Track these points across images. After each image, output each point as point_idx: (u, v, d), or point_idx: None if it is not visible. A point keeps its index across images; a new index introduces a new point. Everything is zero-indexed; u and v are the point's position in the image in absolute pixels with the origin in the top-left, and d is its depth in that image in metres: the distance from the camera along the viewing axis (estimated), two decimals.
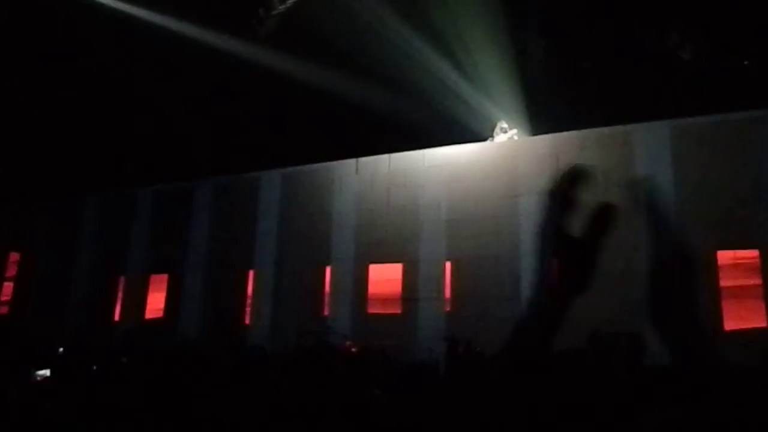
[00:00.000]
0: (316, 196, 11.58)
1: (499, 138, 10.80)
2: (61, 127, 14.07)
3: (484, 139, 10.96)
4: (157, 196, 13.43)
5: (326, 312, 10.87)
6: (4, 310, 14.05)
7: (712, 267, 8.20)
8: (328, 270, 11.08)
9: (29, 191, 14.06)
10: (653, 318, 8.01)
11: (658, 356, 7.57)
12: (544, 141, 10.12)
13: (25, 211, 14.32)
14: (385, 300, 10.47)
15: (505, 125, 10.96)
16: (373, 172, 11.21)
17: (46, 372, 4.70)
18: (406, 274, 10.38)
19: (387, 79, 12.38)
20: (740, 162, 8.46)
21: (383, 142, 11.34)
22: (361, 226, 10.99)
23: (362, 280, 10.70)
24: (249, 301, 11.70)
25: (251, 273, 11.80)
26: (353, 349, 9.01)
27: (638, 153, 9.17)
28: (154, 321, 12.37)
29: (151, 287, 12.73)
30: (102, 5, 12.90)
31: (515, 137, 10.85)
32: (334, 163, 11.59)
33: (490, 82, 12.14)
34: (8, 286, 14.27)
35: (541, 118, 11.30)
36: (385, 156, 11.17)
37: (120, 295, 13.02)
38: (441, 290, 10.05)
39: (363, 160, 11.36)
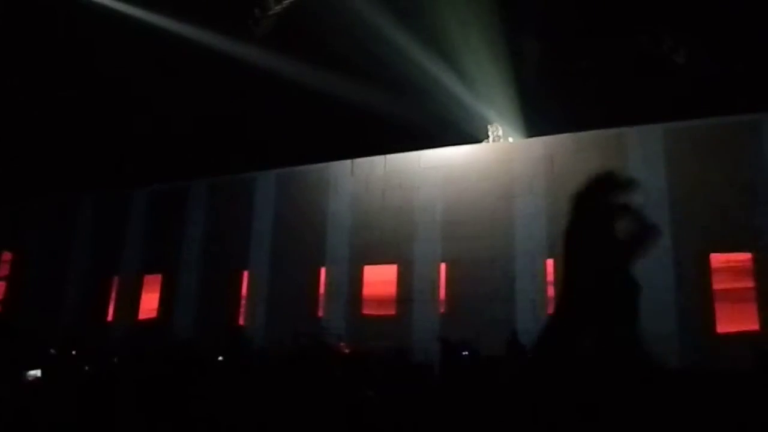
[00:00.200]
0: (311, 196, 11.58)
1: (494, 140, 10.82)
2: (57, 127, 14.02)
3: (479, 141, 10.98)
4: (152, 196, 13.39)
5: (321, 313, 10.86)
6: None
7: (705, 270, 8.25)
8: (322, 271, 11.07)
9: (23, 190, 13.99)
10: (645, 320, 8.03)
11: (652, 357, 7.59)
12: (539, 143, 10.15)
13: (19, 210, 14.24)
14: (379, 301, 10.47)
15: (499, 128, 10.98)
16: (369, 173, 11.21)
17: (37, 372, 4.67)
18: (401, 276, 10.38)
19: (383, 80, 12.39)
20: (733, 165, 8.52)
21: (379, 143, 11.35)
22: (356, 227, 10.99)
23: (357, 281, 10.70)
24: (243, 301, 11.69)
25: (246, 274, 11.78)
26: (346, 351, 9.00)
27: (632, 156, 9.21)
28: (148, 321, 12.33)
29: (145, 287, 12.69)
30: (98, 5, 12.87)
31: (510, 139, 10.88)
32: (330, 164, 11.59)
33: (485, 85, 12.16)
34: (1, 286, 14.20)
35: (536, 121, 11.33)
36: (381, 157, 11.18)
37: (114, 295, 12.97)
38: (436, 291, 10.06)
39: (358, 161, 11.36)
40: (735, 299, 7.99)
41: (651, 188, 8.85)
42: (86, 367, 5.16)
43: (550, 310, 9.20)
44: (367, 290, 10.63)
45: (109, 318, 12.80)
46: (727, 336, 7.89)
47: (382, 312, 10.36)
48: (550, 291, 9.35)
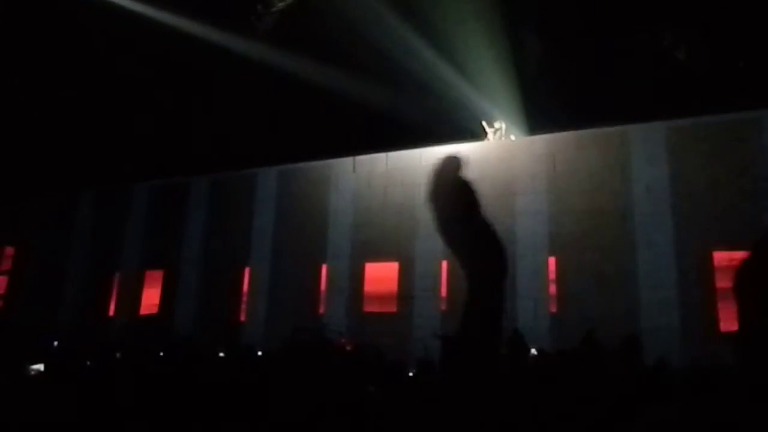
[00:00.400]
0: (313, 193, 11.57)
1: (496, 138, 10.79)
2: (58, 123, 14.02)
3: (481, 138, 10.95)
4: (153, 192, 13.39)
5: (322, 310, 10.86)
6: None
7: (708, 268, 8.23)
8: (324, 268, 11.07)
9: (25, 186, 14.00)
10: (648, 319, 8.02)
11: (654, 356, 7.58)
12: (541, 141, 10.12)
13: (21, 206, 14.26)
14: (381, 298, 10.46)
15: (502, 124, 10.96)
16: (370, 170, 11.20)
17: (40, 367, 4.68)
18: (403, 273, 10.37)
19: (385, 77, 12.37)
20: (736, 162, 8.49)
21: (380, 140, 11.33)
22: (358, 224, 10.98)
23: (358, 278, 10.69)
24: (244, 298, 11.69)
25: (247, 270, 11.78)
26: (348, 347, 8.99)
27: (634, 153, 9.19)
28: (149, 317, 12.33)
29: (146, 283, 12.70)
30: (100, 1, 12.84)
31: (512, 137, 10.85)
32: (331, 160, 11.57)
33: (488, 82, 12.14)
34: (2, 280, 14.23)
35: (538, 118, 11.31)
36: (383, 154, 11.16)
37: (115, 290, 12.98)
38: (437, 288, 10.05)
39: (360, 158, 11.34)
40: None
41: (653, 186, 8.84)
42: (88, 362, 5.17)
43: (553, 307, 9.21)
44: (369, 287, 10.62)
45: (111, 313, 12.81)
46: (731, 334, 7.87)
47: (383, 309, 10.35)
48: (552, 288, 9.34)
